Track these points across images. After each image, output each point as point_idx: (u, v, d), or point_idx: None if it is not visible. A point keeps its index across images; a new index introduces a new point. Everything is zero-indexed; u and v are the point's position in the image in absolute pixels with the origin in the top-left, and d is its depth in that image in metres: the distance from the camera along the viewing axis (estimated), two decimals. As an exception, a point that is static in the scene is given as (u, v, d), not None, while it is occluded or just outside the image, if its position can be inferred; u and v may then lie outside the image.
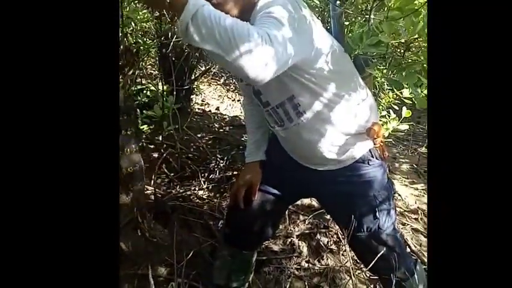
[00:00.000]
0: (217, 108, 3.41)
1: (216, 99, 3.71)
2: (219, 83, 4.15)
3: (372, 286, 1.58)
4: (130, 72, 2.06)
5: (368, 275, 1.55)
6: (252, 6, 0.96)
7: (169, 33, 2.29)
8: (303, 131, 1.08)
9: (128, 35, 1.96)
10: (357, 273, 1.62)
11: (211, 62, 3.33)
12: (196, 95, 3.29)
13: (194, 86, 2.94)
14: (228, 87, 4.08)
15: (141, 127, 2.14)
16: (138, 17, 1.97)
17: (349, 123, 1.07)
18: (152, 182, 1.92)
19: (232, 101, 3.69)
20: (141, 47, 2.02)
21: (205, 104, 3.45)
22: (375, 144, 1.11)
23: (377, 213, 1.10)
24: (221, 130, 2.89)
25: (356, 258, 1.46)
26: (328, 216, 2.03)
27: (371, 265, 1.12)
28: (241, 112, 3.42)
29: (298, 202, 1.99)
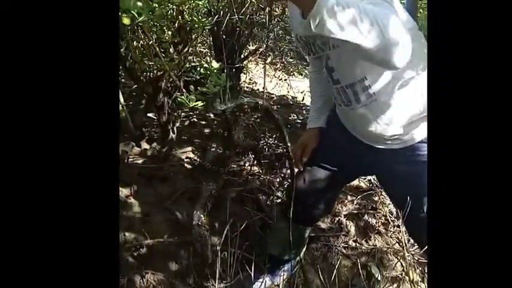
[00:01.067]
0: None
1: (262, 78, 3.72)
2: (266, 62, 4.15)
3: (420, 269, 1.57)
4: (185, 50, 2.11)
5: (417, 258, 1.55)
6: None
7: (222, 12, 2.31)
8: (369, 111, 1.07)
9: (184, 12, 1.99)
10: (405, 255, 1.61)
11: (260, 41, 3.33)
12: (244, 73, 3.32)
13: (243, 65, 2.96)
14: (275, 66, 4.07)
15: (195, 103, 2.20)
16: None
17: (415, 103, 1.06)
18: (205, 156, 1.99)
19: (279, 80, 3.68)
20: (196, 25, 2.06)
21: (253, 83, 3.47)
22: None
23: None
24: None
25: (404, 241, 1.46)
26: (376, 198, 2.02)
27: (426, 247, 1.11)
28: (288, 92, 3.41)
29: (346, 182, 1.99)
